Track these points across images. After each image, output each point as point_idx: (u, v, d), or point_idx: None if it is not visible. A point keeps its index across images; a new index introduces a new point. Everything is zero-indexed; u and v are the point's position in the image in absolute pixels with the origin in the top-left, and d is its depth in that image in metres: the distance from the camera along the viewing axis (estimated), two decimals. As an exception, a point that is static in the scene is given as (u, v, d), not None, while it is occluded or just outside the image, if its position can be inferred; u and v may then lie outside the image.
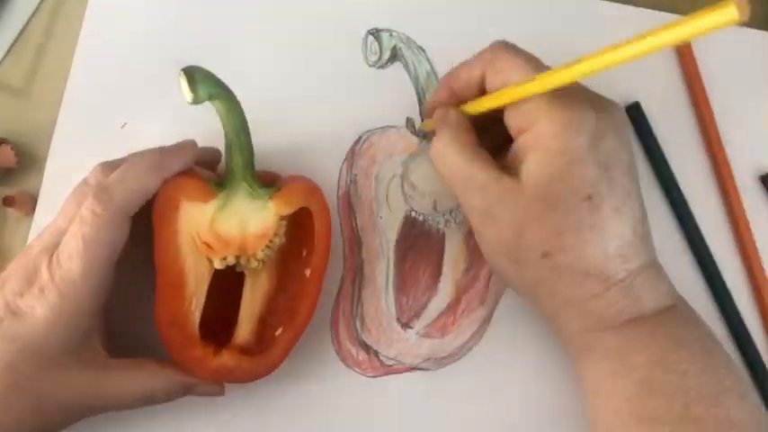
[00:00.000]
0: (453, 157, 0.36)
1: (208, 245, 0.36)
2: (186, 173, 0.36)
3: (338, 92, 0.44)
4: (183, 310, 0.35)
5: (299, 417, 0.41)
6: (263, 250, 0.37)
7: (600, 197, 0.33)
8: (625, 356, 0.34)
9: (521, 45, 0.45)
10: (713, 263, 0.43)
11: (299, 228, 0.38)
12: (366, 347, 0.42)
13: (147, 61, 0.43)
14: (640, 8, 0.46)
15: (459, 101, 0.39)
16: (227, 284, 0.37)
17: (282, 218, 0.37)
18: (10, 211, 0.41)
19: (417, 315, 0.42)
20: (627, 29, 0.45)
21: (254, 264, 0.37)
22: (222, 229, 0.36)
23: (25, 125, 0.42)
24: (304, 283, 0.38)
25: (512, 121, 0.36)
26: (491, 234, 0.36)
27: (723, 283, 0.43)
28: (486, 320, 0.42)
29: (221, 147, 0.37)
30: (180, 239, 0.35)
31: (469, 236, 0.43)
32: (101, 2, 0.44)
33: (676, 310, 0.35)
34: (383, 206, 0.43)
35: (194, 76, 0.34)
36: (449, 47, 0.45)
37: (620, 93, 0.45)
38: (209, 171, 0.39)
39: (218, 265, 0.36)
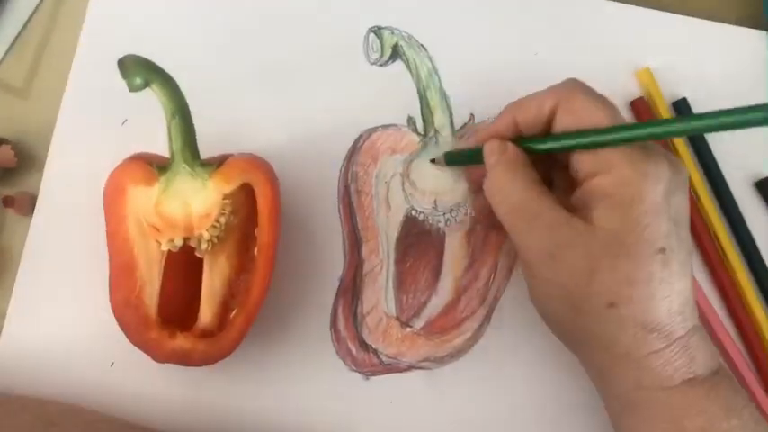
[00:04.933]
0: (518, 193, 0.35)
1: (155, 227, 0.36)
2: (132, 158, 0.37)
3: (339, 90, 0.44)
4: (135, 292, 0.36)
5: (299, 416, 0.41)
6: (208, 230, 0.37)
7: (672, 251, 0.33)
8: (678, 421, 0.33)
9: (521, 45, 0.45)
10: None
11: (254, 207, 0.38)
12: (366, 346, 0.41)
13: (147, 60, 0.43)
14: (640, 8, 0.46)
15: (518, 133, 0.37)
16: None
17: (226, 196, 0.37)
18: (9, 211, 0.41)
19: (417, 314, 0.42)
20: (627, 29, 0.46)
21: (204, 245, 0.37)
22: (166, 211, 0.37)
23: (25, 125, 0.42)
24: (254, 263, 0.38)
25: (582, 165, 0.34)
26: (553, 276, 0.34)
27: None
28: (486, 319, 0.42)
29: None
30: (128, 223, 0.37)
31: (470, 234, 0.43)
32: (101, 2, 0.44)
33: (724, 374, 0.34)
34: (383, 205, 0.43)
35: (125, 64, 0.35)
36: (450, 45, 0.45)
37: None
38: (158, 155, 0.39)
39: (164, 247, 0.36)
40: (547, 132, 0.36)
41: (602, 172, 0.33)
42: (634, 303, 0.33)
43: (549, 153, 0.36)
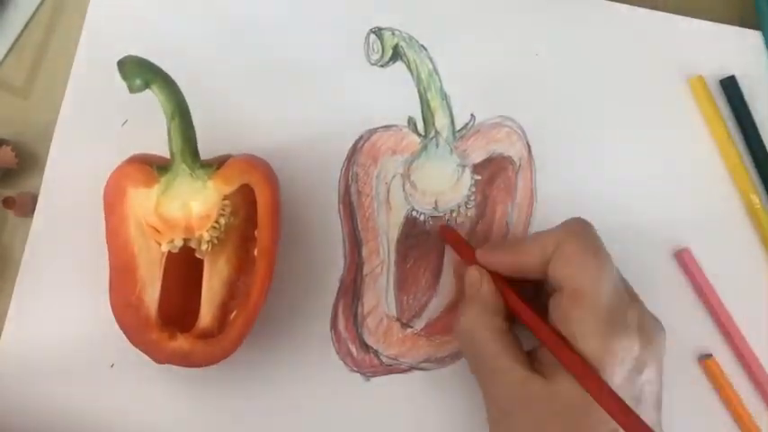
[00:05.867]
0: (479, 346, 0.35)
1: (155, 229, 0.36)
2: (132, 159, 0.37)
3: (339, 90, 0.44)
4: (136, 293, 0.36)
5: (300, 417, 0.41)
6: (208, 231, 0.37)
7: None
8: None
9: (522, 45, 0.45)
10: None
11: (254, 208, 0.38)
12: (366, 347, 0.41)
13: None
14: (641, 8, 0.46)
15: (515, 272, 0.37)
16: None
17: (226, 197, 0.37)
18: (10, 212, 0.41)
19: (418, 315, 0.42)
20: (627, 29, 0.46)
21: (204, 246, 0.37)
22: (166, 212, 0.37)
23: (26, 126, 0.42)
24: (254, 264, 0.38)
25: (557, 317, 0.34)
26: (505, 430, 0.35)
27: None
28: (487, 321, 0.42)
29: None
30: (128, 224, 0.37)
31: (470, 235, 0.43)
32: (101, 2, 0.43)
33: None
34: (384, 206, 0.43)
35: (126, 65, 0.35)
36: (451, 46, 0.45)
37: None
38: (158, 156, 0.39)
39: (164, 248, 0.36)
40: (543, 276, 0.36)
41: (573, 333, 0.33)
42: None
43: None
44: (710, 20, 0.46)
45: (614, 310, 0.33)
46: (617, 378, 0.32)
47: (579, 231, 0.36)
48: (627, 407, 0.31)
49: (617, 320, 0.33)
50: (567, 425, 0.33)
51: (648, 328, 0.34)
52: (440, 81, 0.44)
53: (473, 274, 0.38)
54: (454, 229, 0.43)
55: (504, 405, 0.34)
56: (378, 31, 0.45)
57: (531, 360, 0.35)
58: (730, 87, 0.45)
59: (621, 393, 0.32)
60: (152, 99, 0.36)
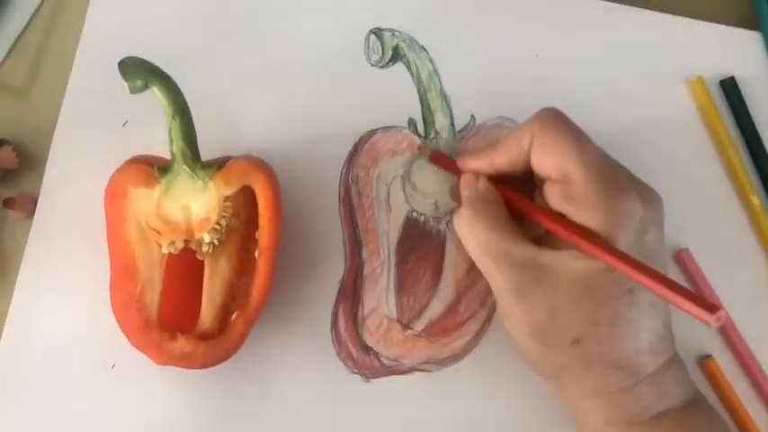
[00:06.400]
0: (485, 232, 0.35)
1: (156, 230, 0.37)
2: (133, 160, 0.37)
3: (339, 91, 0.44)
4: (136, 294, 0.36)
5: (300, 418, 0.41)
6: (209, 233, 0.37)
7: (640, 291, 0.33)
8: None
9: (522, 45, 0.45)
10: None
11: (255, 209, 0.38)
12: (366, 348, 0.41)
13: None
14: (642, 9, 0.46)
15: (498, 173, 0.38)
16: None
17: (227, 199, 0.37)
18: (10, 212, 0.41)
19: (418, 316, 0.42)
20: (628, 30, 0.46)
21: (204, 247, 0.37)
22: (167, 213, 0.37)
23: (26, 126, 0.42)
24: (255, 266, 0.38)
25: (554, 201, 0.35)
26: (520, 314, 0.34)
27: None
28: (487, 321, 0.42)
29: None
30: (129, 226, 0.37)
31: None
32: (101, 3, 0.43)
33: (699, 404, 0.35)
34: (384, 207, 0.43)
35: (126, 66, 0.35)
36: (451, 47, 0.45)
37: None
38: (159, 157, 0.39)
39: (165, 249, 0.36)
40: (529, 169, 0.36)
41: (572, 211, 0.34)
42: (599, 341, 0.33)
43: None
44: (710, 21, 0.46)
45: (608, 179, 0.33)
46: (626, 239, 0.32)
47: (551, 118, 0.35)
48: (640, 263, 0.31)
49: (613, 186, 0.33)
50: (581, 293, 0.33)
51: (646, 192, 0.35)
52: (440, 82, 0.44)
53: (467, 176, 0.38)
54: (443, 152, 0.43)
55: (514, 287, 0.34)
56: (378, 32, 0.45)
57: (535, 243, 0.35)
58: (730, 88, 0.45)
59: (633, 250, 0.32)
60: (152, 99, 0.36)
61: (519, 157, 0.36)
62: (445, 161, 0.42)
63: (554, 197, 0.35)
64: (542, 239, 0.36)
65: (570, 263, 0.33)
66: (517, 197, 0.37)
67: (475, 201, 0.37)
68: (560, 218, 0.34)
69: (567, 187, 0.34)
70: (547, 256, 0.34)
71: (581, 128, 0.36)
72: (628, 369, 0.33)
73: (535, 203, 0.36)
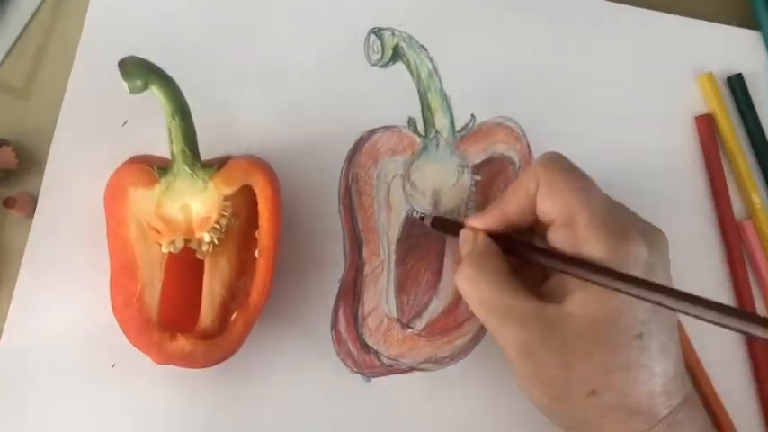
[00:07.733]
0: (487, 287, 0.35)
1: (156, 230, 0.37)
2: (133, 159, 0.37)
3: (340, 91, 0.44)
4: (136, 294, 0.36)
5: (300, 417, 0.41)
6: (209, 232, 0.37)
7: (649, 336, 0.32)
8: None
9: (522, 45, 0.45)
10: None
11: (255, 208, 0.38)
12: (367, 348, 0.41)
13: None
14: (641, 9, 0.46)
15: (509, 226, 0.37)
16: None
17: (227, 198, 0.37)
18: (10, 212, 0.41)
19: (418, 315, 0.42)
20: (628, 30, 0.46)
21: (204, 247, 0.37)
22: (167, 213, 0.37)
23: (26, 126, 0.42)
24: (255, 265, 0.38)
25: (559, 247, 0.34)
26: (532, 370, 0.34)
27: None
28: (487, 321, 0.42)
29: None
30: (129, 225, 0.37)
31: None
32: (101, 3, 0.43)
33: None
34: (384, 206, 0.43)
35: (126, 65, 0.35)
36: (451, 46, 0.45)
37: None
38: (159, 156, 0.39)
39: (165, 248, 0.36)
40: (535, 217, 0.36)
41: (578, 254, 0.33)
42: (614, 390, 0.32)
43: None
44: (709, 21, 0.46)
45: (613, 222, 0.33)
46: None
47: (555, 161, 0.35)
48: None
49: (618, 229, 0.33)
50: (591, 343, 0.32)
51: (650, 233, 0.34)
52: (440, 81, 0.44)
53: (465, 232, 0.38)
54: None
55: (522, 343, 0.34)
56: (378, 32, 0.45)
57: (538, 297, 0.35)
58: (737, 85, 0.45)
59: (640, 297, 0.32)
60: (152, 99, 0.36)
61: (527, 203, 0.36)
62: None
63: (559, 241, 0.35)
64: (543, 294, 0.35)
65: (575, 314, 0.33)
66: (524, 243, 0.36)
67: (475, 256, 0.36)
68: (572, 257, 0.34)
69: (571, 231, 0.34)
70: (551, 310, 0.33)
71: (581, 170, 0.36)
72: (644, 413, 0.33)
73: (544, 246, 0.36)
